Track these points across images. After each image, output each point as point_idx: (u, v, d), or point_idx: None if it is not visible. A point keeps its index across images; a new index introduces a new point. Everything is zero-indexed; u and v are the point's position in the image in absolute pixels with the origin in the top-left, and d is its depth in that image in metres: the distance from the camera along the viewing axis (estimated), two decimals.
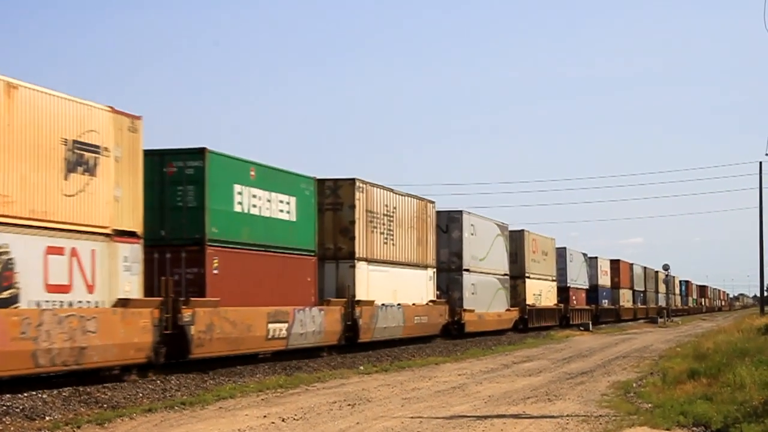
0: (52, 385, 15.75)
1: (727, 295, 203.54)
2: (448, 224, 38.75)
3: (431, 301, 32.70)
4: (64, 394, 15.51)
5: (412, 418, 14.03)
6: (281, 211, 23.20)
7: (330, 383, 19.19)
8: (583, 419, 14.02)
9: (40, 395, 15.16)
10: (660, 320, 73.20)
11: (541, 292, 52.64)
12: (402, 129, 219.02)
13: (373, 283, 27.70)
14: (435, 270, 33.35)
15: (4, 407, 14.02)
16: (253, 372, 20.09)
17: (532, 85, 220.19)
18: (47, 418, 13.97)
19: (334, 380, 19.76)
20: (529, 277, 49.12)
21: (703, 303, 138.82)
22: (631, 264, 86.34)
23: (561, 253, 60.48)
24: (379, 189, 28.50)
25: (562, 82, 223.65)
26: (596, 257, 70.31)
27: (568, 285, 61.49)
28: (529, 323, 47.80)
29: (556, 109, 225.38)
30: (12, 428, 13.11)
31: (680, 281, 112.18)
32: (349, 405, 15.48)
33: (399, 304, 29.32)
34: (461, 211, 38.30)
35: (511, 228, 46.30)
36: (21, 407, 14.40)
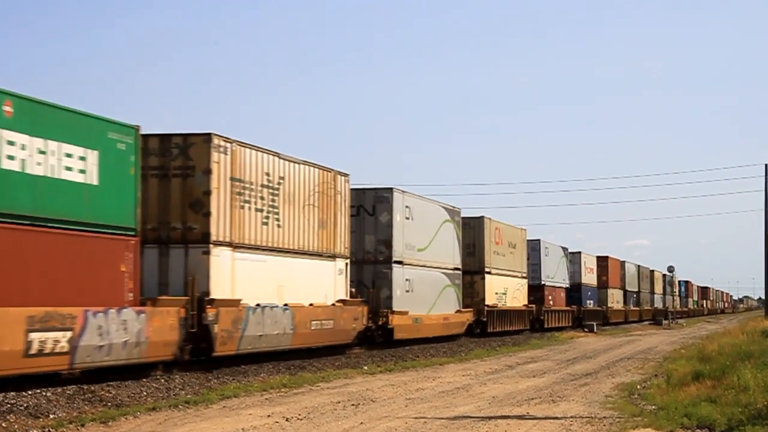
0: (56, 384, 17.02)
1: (731, 297, 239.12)
2: (375, 205, 33.67)
3: (341, 300, 29.41)
4: (68, 392, 16.68)
5: (416, 418, 15.33)
6: (69, 169, 17.64)
7: (334, 383, 20.54)
8: (587, 421, 15.28)
9: (44, 393, 16.28)
10: (664, 322, 76.13)
11: (506, 291, 47.90)
12: (409, 130, 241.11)
13: (243, 277, 23.53)
14: (348, 261, 30.36)
15: (9, 405, 15.24)
16: (257, 371, 21.78)
17: (539, 87, 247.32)
18: (51, 416, 14.98)
19: (338, 380, 21.18)
20: (489, 273, 45.10)
21: (704, 305, 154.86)
22: (623, 261, 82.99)
23: (534, 247, 55.61)
24: (255, 151, 24.18)
25: (567, 85, 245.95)
26: (579, 252, 66.86)
27: (543, 283, 56.24)
28: (489, 327, 44.29)
29: (561, 112, 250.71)
30: (16, 426, 14.07)
31: (679, 281, 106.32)
32: (353, 405, 16.86)
33: (286, 305, 25.58)
34: (391, 189, 34.13)
35: (468, 214, 43.55)
36: (25, 405, 15.40)
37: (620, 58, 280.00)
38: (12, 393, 16.05)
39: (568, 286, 61.42)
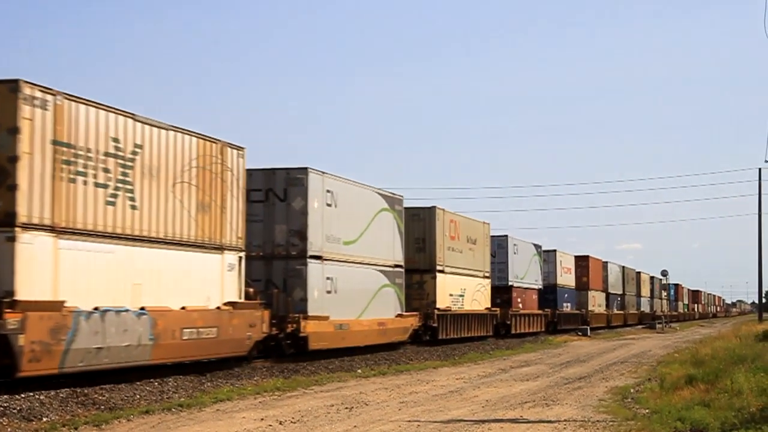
0: (49, 386, 17.90)
1: (723, 300, 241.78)
2: (287, 188, 28.40)
3: (231, 303, 24.48)
4: (61, 395, 17.53)
5: (409, 422, 16.04)
6: None
7: (327, 386, 21.21)
8: (580, 424, 16.04)
9: (37, 396, 17.12)
10: (658, 326, 75.57)
11: (463, 292, 43.14)
12: (401, 132, 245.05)
13: (74, 272, 18.69)
14: (242, 254, 25.32)
15: (1, 408, 15.98)
16: (250, 374, 22.68)
17: (533, 90, 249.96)
18: (44, 419, 15.67)
19: (331, 383, 21.92)
20: (442, 272, 40.42)
21: (695, 309, 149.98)
22: (605, 262, 79.02)
23: (501, 243, 51.01)
24: (95, 109, 19.49)
25: (562, 87, 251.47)
26: (554, 251, 62.60)
27: (511, 283, 51.66)
28: (440, 333, 40.14)
29: (555, 115, 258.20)
30: (9, 429, 14.88)
31: (669, 284, 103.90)
32: (346, 408, 17.70)
33: (143, 309, 20.96)
34: (306, 169, 28.94)
35: (416, 203, 46.66)
36: (18, 408, 16.04)
37: (616, 62, 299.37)
38: (5, 396, 17.22)
39: (541, 287, 61.89)
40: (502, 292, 50.53)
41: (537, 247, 59.01)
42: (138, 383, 19.84)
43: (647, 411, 17.03)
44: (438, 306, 39.92)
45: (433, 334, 39.76)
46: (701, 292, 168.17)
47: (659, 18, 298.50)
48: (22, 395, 16.83)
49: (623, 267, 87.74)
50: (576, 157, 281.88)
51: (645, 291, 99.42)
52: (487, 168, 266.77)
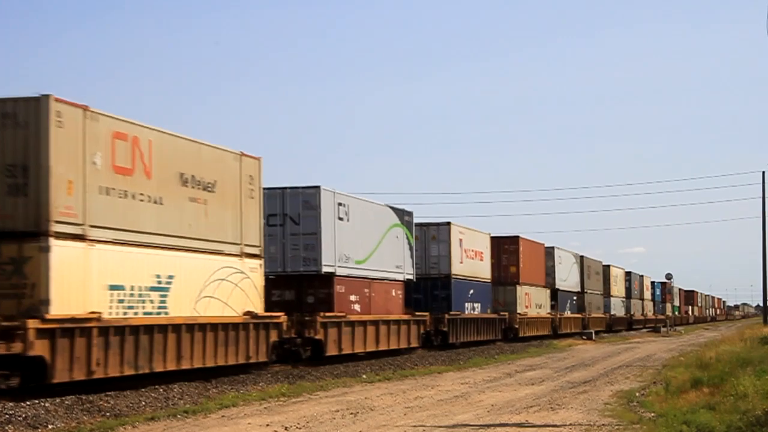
0: (54, 394, 18.66)
1: (724, 303, 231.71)
2: None
3: None
4: (66, 402, 18.28)
5: (414, 427, 16.90)
6: None
7: (333, 392, 22.16)
8: (585, 428, 16.90)
9: (42, 404, 17.81)
10: (663, 330, 73.18)
11: (169, 282, 22.53)
12: (411, 138, 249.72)
13: None
14: None
15: (7, 416, 16.56)
16: (255, 380, 23.56)
17: (536, 94, 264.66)
18: (50, 426, 16.41)
19: (336, 389, 22.87)
20: (81, 237, 19.92)
21: (689, 312, 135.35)
22: (550, 248, 60.66)
23: (309, 201, 30.99)
24: None
25: (562, 91, 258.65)
26: (448, 223, 43.36)
27: (329, 270, 31.44)
28: (56, 372, 18.81)
29: (558, 119, 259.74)
30: None
31: (652, 282, 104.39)
32: (351, 414, 18.50)
33: None
34: None
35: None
36: (24, 416, 16.65)
37: (616, 65, 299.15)
38: (11, 403, 17.82)
39: (411, 278, 40.14)
40: (315, 285, 30.89)
41: (403, 213, 38.66)
42: (143, 389, 20.67)
43: (653, 414, 17.86)
44: (54, 310, 19.01)
45: (39, 375, 18.78)
46: (696, 292, 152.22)
47: (659, 22, 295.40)
48: (28, 402, 17.36)
49: (582, 257, 68.70)
50: (579, 161, 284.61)
51: (617, 290, 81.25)
52: (490, 172, 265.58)
